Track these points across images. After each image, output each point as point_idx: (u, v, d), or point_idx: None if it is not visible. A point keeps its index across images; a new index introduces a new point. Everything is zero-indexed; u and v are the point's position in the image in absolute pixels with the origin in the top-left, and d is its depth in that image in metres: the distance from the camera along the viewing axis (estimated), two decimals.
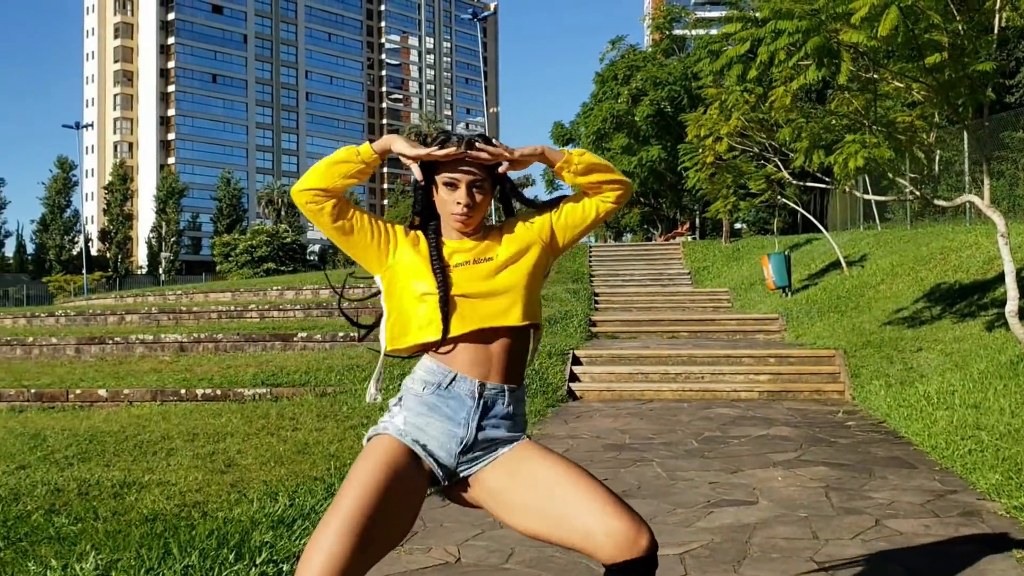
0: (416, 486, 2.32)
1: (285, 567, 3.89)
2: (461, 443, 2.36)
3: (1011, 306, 8.53)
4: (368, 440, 2.39)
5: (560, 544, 2.26)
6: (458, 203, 2.39)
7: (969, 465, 5.89)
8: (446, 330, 2.32)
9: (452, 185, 2.40)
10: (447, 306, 2.33)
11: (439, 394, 2.36)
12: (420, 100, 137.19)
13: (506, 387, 2.39)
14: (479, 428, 2.36)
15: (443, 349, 2.37)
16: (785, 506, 5.09)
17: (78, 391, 11.03)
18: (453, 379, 2.36)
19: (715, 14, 53.26)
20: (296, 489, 5.31)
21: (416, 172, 2.45)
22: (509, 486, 2.32)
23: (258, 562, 3.91)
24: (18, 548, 4.18)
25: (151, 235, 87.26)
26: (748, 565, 4.03)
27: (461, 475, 2.39)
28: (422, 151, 2.36)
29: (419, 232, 2.50)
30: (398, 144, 2.38)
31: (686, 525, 4.73)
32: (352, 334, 14.65)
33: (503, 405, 2.39)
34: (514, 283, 2.40)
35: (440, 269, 2.37)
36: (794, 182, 13.25)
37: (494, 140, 2.50)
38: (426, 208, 2.50)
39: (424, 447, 2.34)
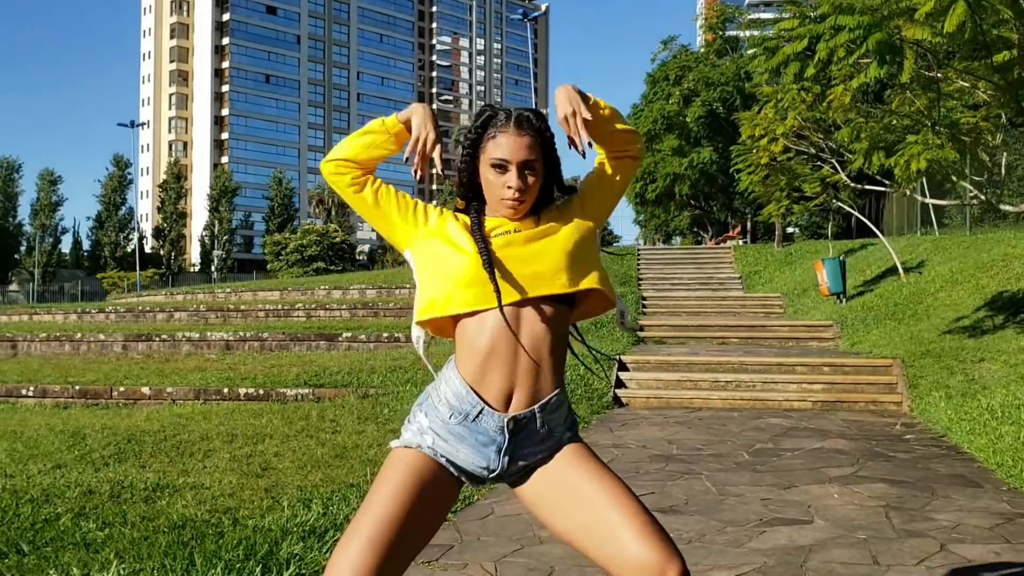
0: (445, 493, 2.19)
1: None
2: (492, 473, 2.20)
3: None
4: (395, 446, 2.24)
5: (592, 560, 2.10)
6: (508, 187, 2.19)
7: None
8: (498, 293, 2.11)
9: (501, 167, 2.20)
10: (492, 268, 2.13)
11: (466, 426, 2.17)
12: (470, 101, 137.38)
13: (536, 409, 2.16)
14: (511, 461, 2.19)
15: (472, 357, 2.17)
16: (842, 526, 4.81)
17: (122, 388, 11.03)
18: (480, 412, 2.15)
19: (768, 15, 52.60)
20: (331, 496, 5.14)
21: (407, 149, 2.27)
22: (550, 493, 2.16)
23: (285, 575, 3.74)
24: (42, 554, 4.05)
25: (204, 233, 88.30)
26: None
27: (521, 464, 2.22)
28: (428, 133, 2.23)
29: (458, 213, 2.32)
30: (417, 115, 2.24)
31: (736, 546, 4.47)
32: (398, 335, 14.55)
33: (537, 426, 2.17)
34: (556, 246, 2.20)
35: (481, 236, 2.19)
36: (851, 184, 12.85)
37: (543, 111, 2.30)
38: (472, 190, 2.31)
39: (455, 466, 2.20)
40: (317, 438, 7.34)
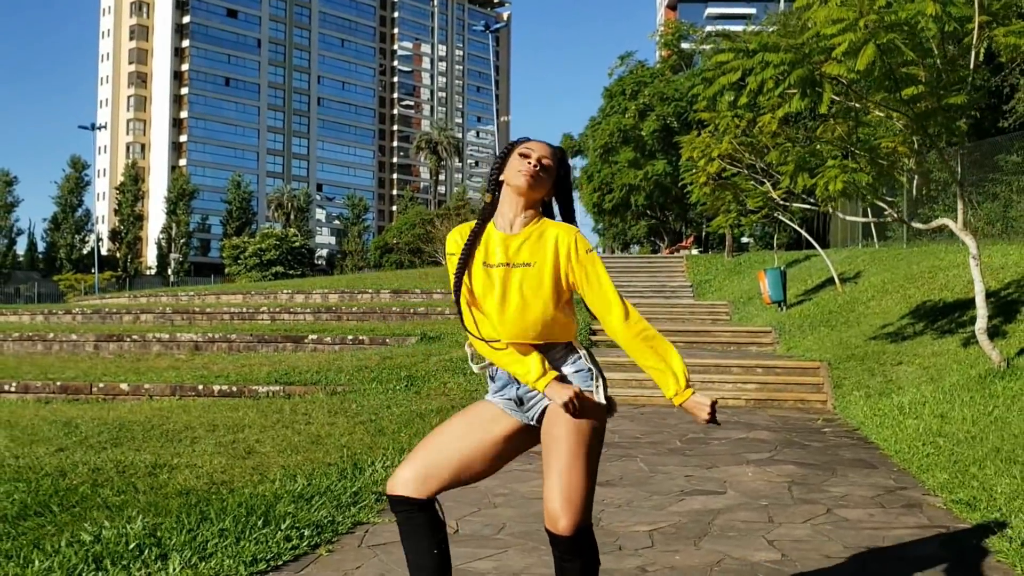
0: (498, 424, 2.99)
1: (306, 532, 4.50)
2: (512, 400, 3.01)
3: (980, 324, 9.12)
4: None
5: None
6: (528, 162, 2.86)
7: (924, 467, 6.46)
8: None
9: (526, 156, 2.88)
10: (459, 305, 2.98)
11: (490, 373, 3.08)
12: (431, 107, 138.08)
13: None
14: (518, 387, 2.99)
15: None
16: (749, 496, 5.68)
17: (101, 384, 11.65)
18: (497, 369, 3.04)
19: (732, 27, 53.83)
20: (312, 472, 5.90)
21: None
22: (543, 438, 2.87)
23: (283, 527, 4.51)
24: (73, 513, 4.78)
25: (161, 236, 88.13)
26: (707, 540, 4.63)
27: (530, 412, 2.97)
28: None
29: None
30: None
31: (659, 509, 5.32)
32: (362, 337, 15.27)
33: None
34: (534, 306, 2.94)
35: (462, 264, 2.92)
36: (781, 202, 13.87)
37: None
38: (495, 188, 2.96)
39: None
40: (292, 428, 8.07)
